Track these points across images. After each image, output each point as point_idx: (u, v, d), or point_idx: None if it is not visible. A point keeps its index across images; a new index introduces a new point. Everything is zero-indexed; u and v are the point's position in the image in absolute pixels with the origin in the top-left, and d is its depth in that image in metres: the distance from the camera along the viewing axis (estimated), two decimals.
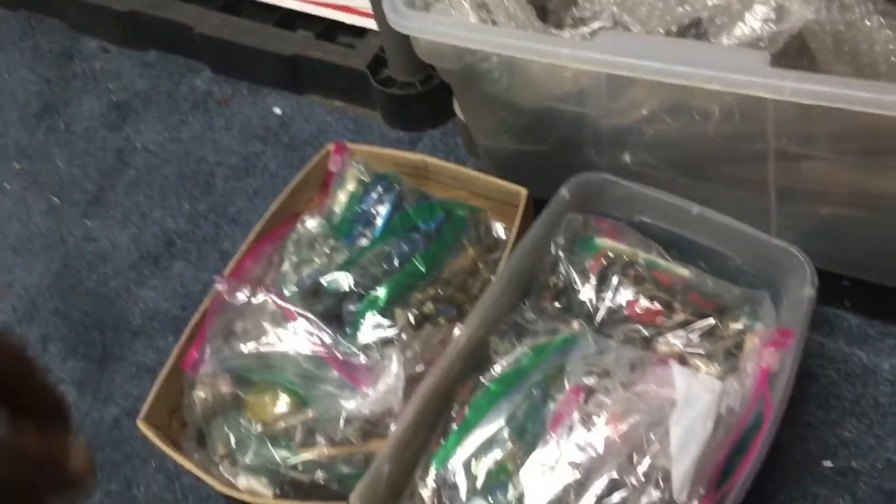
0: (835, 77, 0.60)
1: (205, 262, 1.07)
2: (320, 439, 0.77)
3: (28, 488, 0.33)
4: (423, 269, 0.83)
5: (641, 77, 0.67)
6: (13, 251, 1.14)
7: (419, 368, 0.78)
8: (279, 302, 0.81)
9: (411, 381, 0.77)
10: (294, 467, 0.75)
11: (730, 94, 0.70)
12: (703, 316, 0.76)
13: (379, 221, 0.87)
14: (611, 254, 0.81)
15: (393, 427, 0.75)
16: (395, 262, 0.83)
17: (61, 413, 0.37)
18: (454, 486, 0.70)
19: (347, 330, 0.82)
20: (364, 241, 0.87)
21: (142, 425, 0.80)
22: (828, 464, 0.78)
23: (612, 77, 0.72)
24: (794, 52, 0.76)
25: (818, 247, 0.77)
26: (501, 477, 0.69)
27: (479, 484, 0.69)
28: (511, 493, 0.68)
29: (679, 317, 0.76)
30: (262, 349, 0.81)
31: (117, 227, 1.13)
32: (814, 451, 0.79)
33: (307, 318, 0.80)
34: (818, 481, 0.77)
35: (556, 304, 0.81)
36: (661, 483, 0.64)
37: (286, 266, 0.87)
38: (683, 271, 0.80)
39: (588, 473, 0.66)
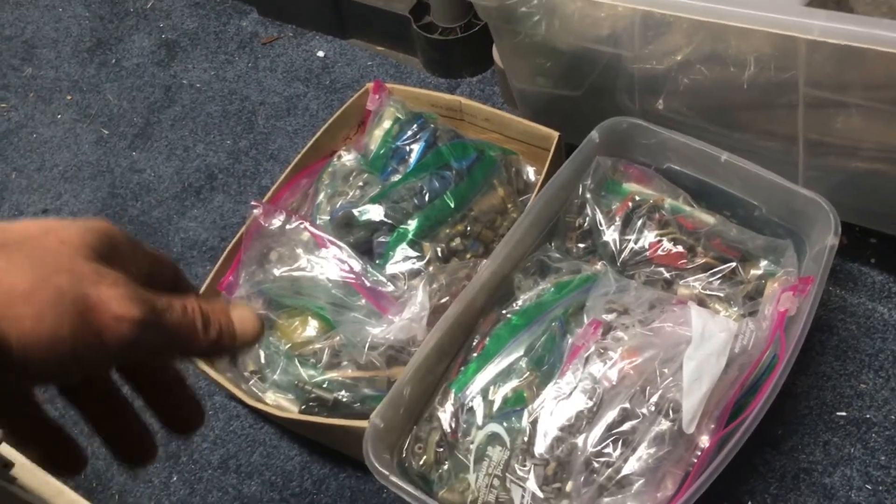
0: (865, 17, 0.61)
1: (244, 195, 1.10)
2: (346, 362, 0.80)
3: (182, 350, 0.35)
4: (452, 205, 0.85)
5: (673, 13, 0.68)
6: (63, 179, 1.18)
7: (444, 300, 0.80)
8: (312, 229, 0.84)
9: (436, 312, 0.79)
10: (319, 385, 0.78)
11: (764, 41, 0.70)
12: (725, 261, 0.78)
13: (412, 158, 0.89)
14: (637, 198, 0.82)
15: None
16: (426, 197, 0.85)
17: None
18: (471, 411, 0.73)
19: (377, 261, 0.85)
20: (397, 177, 0.89)
21: None
22: (842, 413, 0.79)
23: (647, 18, 0.73)
24: (833, 4, 0.76)
25: (845, 200, 0.77)
26: (517, 403, 0.72)
27: (495, 409, 0.72)
28: (525, 419, 0.70)
29: (701, 260, 0.78)
30: (295, 274, 0.84)
31: (162, 160, 1.17)
32: (829, 400, 0.80)
33: (338, 246, 0.83)
34: (830, 429, 0.78)
35: (581, 245, 0.83)
36: (672, 414, 0.66)
37: (321, 197, 0.90)
38: (708, 218, 0.81)
39: (601, 402, 0.68)
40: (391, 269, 0.83)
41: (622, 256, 0.80)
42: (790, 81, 0.72)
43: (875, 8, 0.68)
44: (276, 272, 0.84)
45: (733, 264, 0.76)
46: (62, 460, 0.36)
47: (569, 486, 0.66)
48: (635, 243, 0.80)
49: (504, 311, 0.78)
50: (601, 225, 0.81)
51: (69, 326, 0.30)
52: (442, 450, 0.73)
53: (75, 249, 0.32)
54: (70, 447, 0.36)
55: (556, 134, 0.89)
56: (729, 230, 0.80)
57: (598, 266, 0.81)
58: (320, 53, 1.24)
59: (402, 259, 0.83)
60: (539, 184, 0.87)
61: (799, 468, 0.77)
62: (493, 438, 0.71)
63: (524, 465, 0.68)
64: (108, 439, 0.37)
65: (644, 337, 0.71)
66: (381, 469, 0.69)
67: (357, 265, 0.82)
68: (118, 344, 0.31)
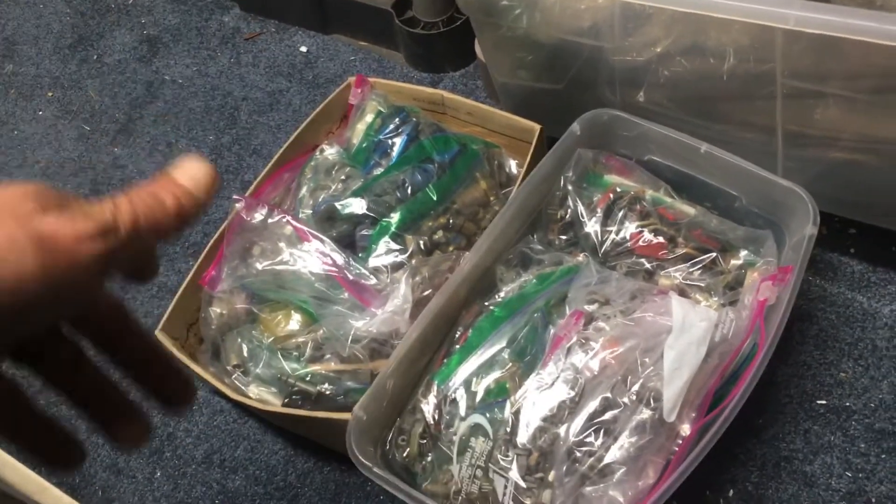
0: (840, 6, 0.61)
1: (227, 190, 1.10)
2: (329, 355, 0.80)
3: None
4: (434, 198, 0.85)
5: (651, 5, 0.68)
6: (45, 175, 1.17)
7: (427, 292, 0.81)
8: (294, 223, 0.84)
9: (418, 304, 0.79)
10: (302, 378, 0.78)
11: (742, 32, 0.71)
12: (705, 251, 0.78)
13: (395, 151, 0.89)
14: (618, 189, 0.83)
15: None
16: (409, 190, 0.85)
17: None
18: (454, 402, 0.73)
19: (360, 254, 0.85)
20: (379, 170, 0.89)
21: (160, 335, 0.83)
22: (822, 402, 0.80)
23: (626, 9, 0.73)
24: None
25: (824, 190, 0.78)
26: (500, 394, 0.72)
27: (477, 400, 0.72)
28: (508, 409, 0.70)
29: (681, 251, 0.78)
30: (277, 268, 0.84)
31: (144, 156, 1.16)
32: (809, 389, 0.81)
33: (321, 240, 0.83)
34: (811, 417, 0.79)
35: (563, 237, 0.83)
36: (653, 403, 0.67)
37: (303, 191, 0.90)
38: (689, 209, 0.81)
39: (583, 392, 0.69)
40: (374, 262, 0.83)
41: (604, 248, 0.80)
42: (769, 72, 0.73)
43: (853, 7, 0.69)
44: (259, 266, 0.84)
45: (713, 255, 0.77)
46: (57, 455, 0.36)
47: (551, 476, 0.67)
48: (616, 234, 0.80)
49: (486, 303, 0.78)
50: (583, 217, 0.82)
51: (32, 259, 0.30)
52: (425, 441, 0.73)
53: (13, 199, 0.32)
54: (65, 440, 0.36)
55: (537, 127, 0.89)
56: (709, 221, 0.81)
57: (580, 257, 0.81)
58: (303, 48, 1.24)
59: (384, 252, 0.83)
60: (521, 176, 0.87)
61: (780, 456, 0.78)
62: (476, 429, 0.71)
63: (507, 456, 0.69)
64: (97, 415, 0.36)
65: (625, 327, 0.71)
66: (364, 461, 0.69)
67: (340, 258, 0.82)
68: (94, 261, 0.31)
